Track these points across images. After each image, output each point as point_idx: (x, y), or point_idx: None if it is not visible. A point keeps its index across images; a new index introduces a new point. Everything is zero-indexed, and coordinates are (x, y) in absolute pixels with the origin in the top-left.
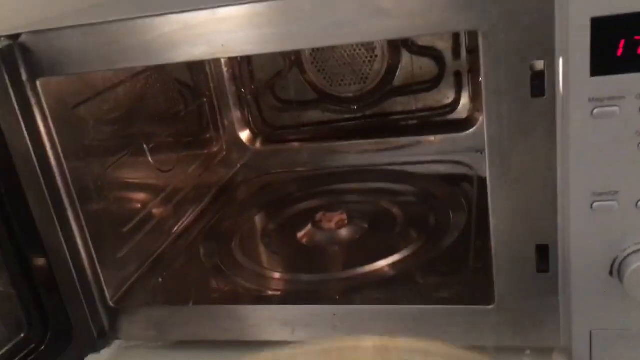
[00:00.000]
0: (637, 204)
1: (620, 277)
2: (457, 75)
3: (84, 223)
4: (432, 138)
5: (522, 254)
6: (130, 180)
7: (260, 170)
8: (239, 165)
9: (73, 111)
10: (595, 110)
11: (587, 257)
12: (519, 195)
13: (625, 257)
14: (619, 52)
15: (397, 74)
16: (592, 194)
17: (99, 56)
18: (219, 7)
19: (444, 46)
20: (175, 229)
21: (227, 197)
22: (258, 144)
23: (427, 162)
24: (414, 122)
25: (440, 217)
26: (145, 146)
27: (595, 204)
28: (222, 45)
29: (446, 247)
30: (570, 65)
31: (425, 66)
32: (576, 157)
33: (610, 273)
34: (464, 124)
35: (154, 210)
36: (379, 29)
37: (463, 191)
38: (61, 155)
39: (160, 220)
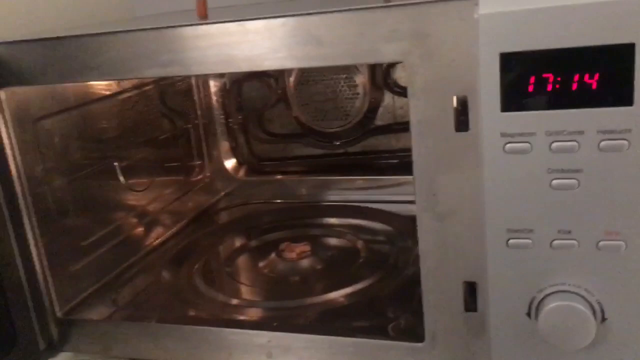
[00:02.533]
0: (551, 243)
1: (537, 319)
2: None
3: (38, 233)
4: (410, 178)
5: (450, 291)
6: (96, 196)
7: (243, 199)
8: (222, 193)
9: (37, 124)
10: (507, 146)
11: (506, 296)
12: (446, 230)
13: (542, 299)
14: (530, 89)
15: (379, 112)
16: (508, 231)
17: (57, 70)
18: (166, 27)
19: None
20: (144, 247)
21: (203, 223)
22: (242, 174)
23: (404, 202)
24: (395, 161)
25: (402, 256)
26: (116, 164)
27: (510, 241)
28: (168, 63)
29: (396, 285)
30: (482, 100)
31: (405, 106)
32: (491, 192)
33: (528, 314)
34: None
35: (121, 227)
36: (312, 55)
37: None
38: (20, 165)
39: (127, 238)
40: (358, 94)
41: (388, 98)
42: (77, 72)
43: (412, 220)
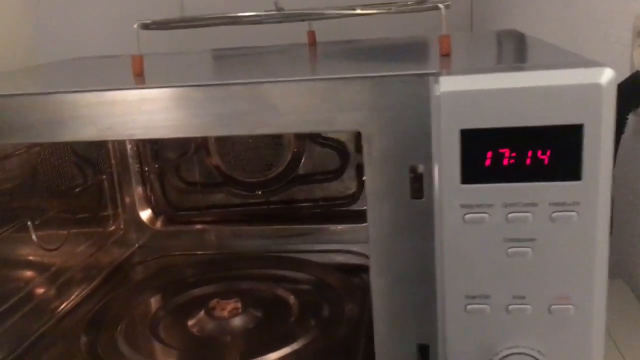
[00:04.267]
0: (507, 308)
1: None
2: (359, 168)
3: None
4: (333, 227)
5: (403, 354)
6: (8, 259)
7: (159, 251)
8: (136, 246)
9: None
10: (467, 216)
11: (463, 359)
12: (399, 294)
13: None
14: (487, 163)
15: (302, 162)
16: (466, 297)
17: None
18: (107, 90)
19: (348, 139)
20: (59, 311)
21: (120, 279)
22: (159, 224)
23: (328, 252)
24: (317, 210)
25: (335, 309)
26: (29, 223)
27: (469, 307)
28: (109, 127)
29: (336, 341)
30: (443, 172)
31: (329, 157)
32: (450, 260)
33: None
34: (365, 215)
35: (35, 291)
36: (267, 122)
37: (360, 282)
38: None
39: (41, 301)
40: (281, 144)
41: (311, 148)
42: (3, 132)
43: (337, 269)
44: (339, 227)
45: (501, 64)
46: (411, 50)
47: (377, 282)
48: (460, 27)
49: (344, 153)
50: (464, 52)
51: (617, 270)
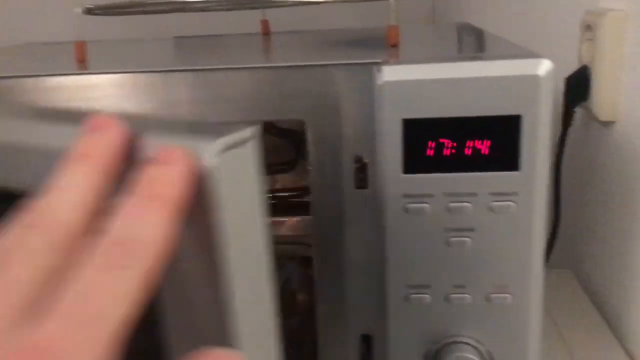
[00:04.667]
0: (447, 297)
1: None
2: None
3: None
4: (286, 219)
5: (347, 345)
6: None
7: None
8: None
9: None
10: (408, 206)
11: (405, 349)
12: (344, 284)
13: (437, 351)
14: (428, 153)
15: None
16: (407, 286)
17: None
18: (44, 75)
19: (302, 130)
20: None
21: None
22: None
23: (280, 243)
24: (272, 202)
25: (285, 300)
26: None
27: (410, 296)
28: None
29: (286, 331)
30: (385, 162)
31: (284, 148)
32: (392, 249)
33: None
34: None
35: None
36: (212, 110)
37: (312, 273)
38: None
39: None
40: None
41: (266, 138)
42: None
43: (289, 260)
44: (294, 218)
45: (446, 55)
46: (364, 41)
47: (321, 273)
48: (423, 21)
49: (297, 144)
50: (414, 44)
51: (564, 260)
